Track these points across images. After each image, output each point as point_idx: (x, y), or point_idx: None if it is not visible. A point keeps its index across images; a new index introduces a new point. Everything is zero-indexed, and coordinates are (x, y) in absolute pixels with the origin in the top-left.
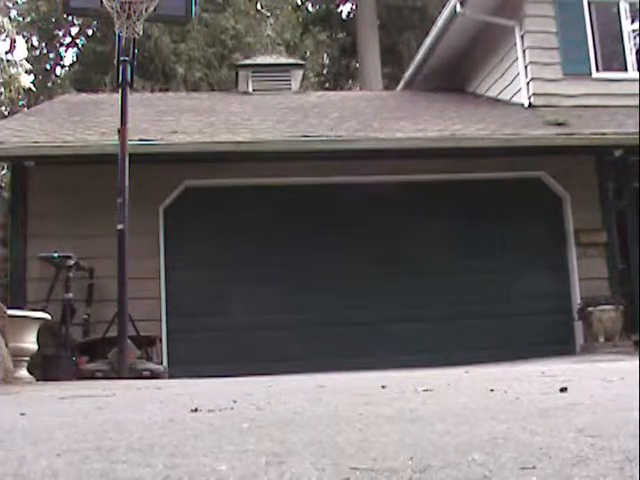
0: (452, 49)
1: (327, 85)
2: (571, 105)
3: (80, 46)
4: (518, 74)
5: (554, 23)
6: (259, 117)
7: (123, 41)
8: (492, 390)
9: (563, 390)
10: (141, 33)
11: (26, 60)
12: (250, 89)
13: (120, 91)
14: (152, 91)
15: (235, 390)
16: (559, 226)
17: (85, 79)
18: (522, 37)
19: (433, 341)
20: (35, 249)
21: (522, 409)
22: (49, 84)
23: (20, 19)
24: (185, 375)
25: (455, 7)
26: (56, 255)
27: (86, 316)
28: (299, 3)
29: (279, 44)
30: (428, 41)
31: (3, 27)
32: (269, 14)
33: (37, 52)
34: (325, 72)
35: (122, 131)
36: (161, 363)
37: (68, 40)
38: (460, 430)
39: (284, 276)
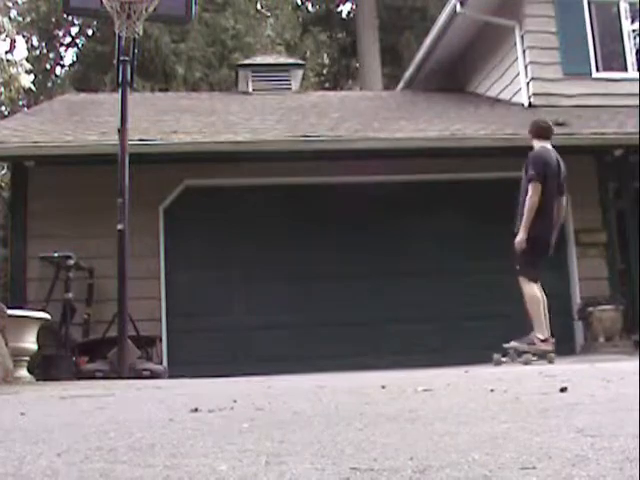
0: (452, 49)
1: (327, 85)
2: (571, 105)
3: (80, 46)
4: (518, 74)
5: (554, 23)
6: (259, 117)
7: (123, 41)
8: (492, 390)
9: (563, 390)
10: (141, 33)
11: (26, 60)
12: (250, 89)
13: (120, 91)
14: (152, 91)
15: (235, 390)
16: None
17: (85, 79)
18: (522, 37)
19: (433, 341)
20: (35, 249)
21: (522, 409)
22: (49, 84)
23: (20, 19)
24: (185, 375)
25: (455, 7)
26: (56, 255)
27: (86, 316)
28: (299, 3)
29: (279, 44)
30: (428, 41)
31: (3, 27)
32: (269, 14)
33: (37, 52)
34: (325, 72)
35: (122, 131)
36: (161, 363)
37: (68, 40)
38: (460, 430)
39: (284, 276)
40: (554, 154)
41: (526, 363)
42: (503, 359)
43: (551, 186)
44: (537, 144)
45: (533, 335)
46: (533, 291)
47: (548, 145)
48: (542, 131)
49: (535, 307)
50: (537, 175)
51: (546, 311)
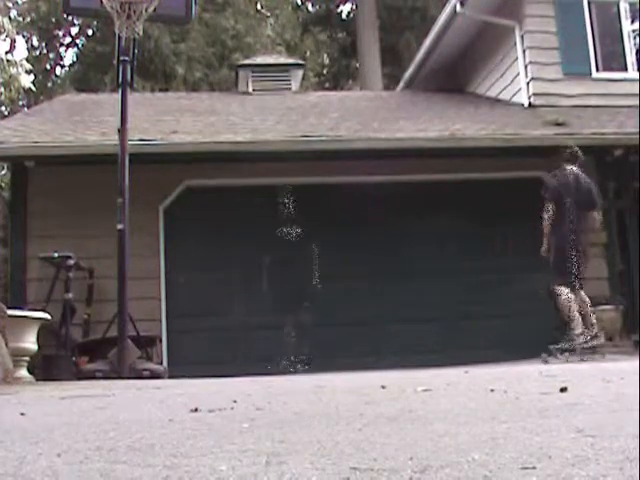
0: (452, 49)
1: (327, 85)
2: (571, 105)
3: (80, 46)
4: (518, 74)
5: (554, 23)
6: (259, 117)
7: (123, 41)
8: (492, 390)
9: (563, 390)
10: (141, 33)
11: (26, 60)
12: (250, 89)
13: (120, 91)
14: (152, 91)
15: (235, 390)
16: None
17: (85, 79)
18: (522, 37)
19: (433, 341)
20: (35, 249)
21: (522, 409)
22: (49, 84)
23: (20, 19)
24: (185, 375)
25: (455, 7)
26: (56, 255)
27: (86, 316)
28: (299, 3)
29: (279, 44)
30: (428, 41)
31: (3, 27)
32: (269, 14)
33: (37, 52)
34: (325, 72)
35: (122, 131)
36: (161, 363)
37: (68, 40)
38: (460, 430)
39: (284, 276)
40: (571, 174)
41: (567, 360)
42: (549, 358)
43: (565, 201)
44: (564, 166)
45: (572, 333)
46: (563, 294)
47: (572, 167)
48: (567, 156)
49: (567, 308)
50: (545, 195)
51: (590, 313)
